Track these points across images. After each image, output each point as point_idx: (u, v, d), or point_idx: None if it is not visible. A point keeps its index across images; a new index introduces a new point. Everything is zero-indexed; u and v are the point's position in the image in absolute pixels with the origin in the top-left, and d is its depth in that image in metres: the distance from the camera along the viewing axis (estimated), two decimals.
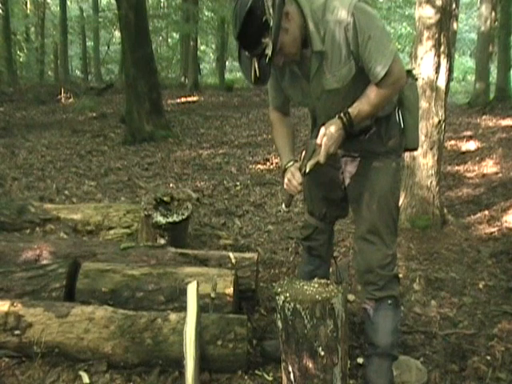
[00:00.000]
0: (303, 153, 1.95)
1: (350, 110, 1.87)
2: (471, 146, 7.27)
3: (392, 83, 1.85)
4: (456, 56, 21.31)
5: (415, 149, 2.19)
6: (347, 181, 2.12)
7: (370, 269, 2.04)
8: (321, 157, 1.87)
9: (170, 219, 3.21)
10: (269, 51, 1.71)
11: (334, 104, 1.96)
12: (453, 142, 7.44)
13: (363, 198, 2.04)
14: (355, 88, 1.90)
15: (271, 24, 1.68)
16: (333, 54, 1.85)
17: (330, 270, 2.48)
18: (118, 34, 20.30)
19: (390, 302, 2.04)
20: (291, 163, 2.01)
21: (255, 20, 1.69)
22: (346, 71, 1.87)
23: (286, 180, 1.98)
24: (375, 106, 1.88)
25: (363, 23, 1.78)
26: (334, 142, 1.87)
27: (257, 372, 2.25)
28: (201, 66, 21.19)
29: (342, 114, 1.86)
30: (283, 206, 2.05)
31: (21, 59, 22.57)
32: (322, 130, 1.88)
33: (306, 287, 1.87)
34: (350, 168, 2.09)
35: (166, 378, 2.19)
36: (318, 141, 1.87)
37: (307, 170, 1.93)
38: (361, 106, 1.87)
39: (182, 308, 2.33)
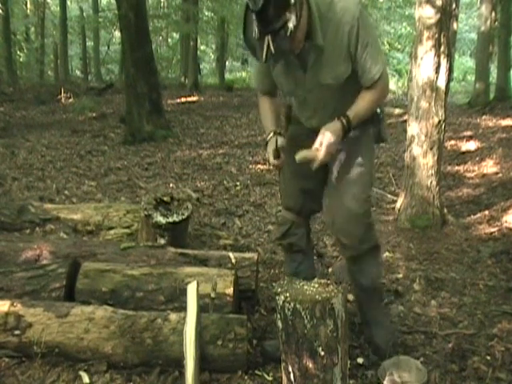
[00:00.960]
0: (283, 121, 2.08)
1: (348, 113, 1.96)
2: (471, 146, 7.27)
3: (382, 88, 2.01)
4: (456, 56, 21.29)
5: (386, 140, 2.45)
6: (333, 169, 2.20)
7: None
8: (321, 156, 1.94)
9: (170, 219, 3.21)
10: (291, 24, 1.72)
11: (323, 99, 2.07)
12: (453, 142, 7.44)
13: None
14: (344, 89, 2.02)
15: (292, 1, 1.71)
16: (332, 51, 1.93)
17: (331, 270, 2.49)
18: (118, 34, 20.30)
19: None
20: (271, 134, 2.10)
21: None
22: (343, 70, 1.97)
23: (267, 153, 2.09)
24: (369, 109, 2.03)
25: (365, 30, 1.91)
26: (334, 145, 1.95)
27: (257, 372, 2.24)
28: (201, 66, 21.17)
29: (341, 117, 1.95)
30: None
31: (21, 59, 22.57)
32: (324, 132, 1.94)
33: (306, 287, 1.87)
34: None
35: (165, 378, 2.19)
36: (318, 143, 1.93)
37: (298, 158, 1.99)
38: (357, 110, 1.98)
39: (182, 308, 2.33)
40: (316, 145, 1.94)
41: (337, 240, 2.42)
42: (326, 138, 1.93)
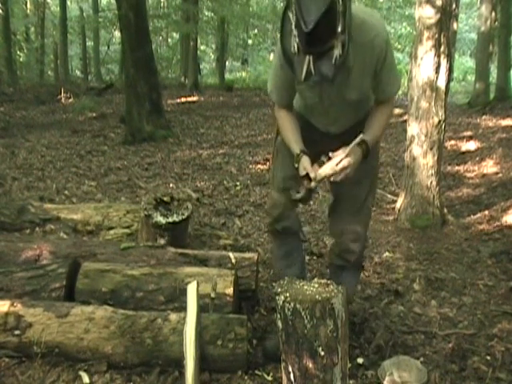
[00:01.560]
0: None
1: (367, 139, 2.04)
2: (471, 146, 7.27)
3: (392, 107, 2.19)
4: (456, 56, 21.29)
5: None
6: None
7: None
8: (338, 178, 2.03)
9: (170, 219, 3.20)
10: (337, 52, 1.77)
11: (344, 111, 2.16)
12: (453, 142, 7.44)
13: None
14: (362, 103, 2.17)
15: (339, 29, 1.74)
16: (360, 70, 2.01)
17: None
18: (118, 34, 20.31)
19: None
20: (301, 155, 2.10)
21: (330, 21, 1.73)
22: (366, 87, 2.08)
23: (301, 169, 2.08)
24: (382, 131, 2.17)
25: (391, 53, 2.06)
26: (353, 170, 2.03)
27: (257, 372, 2.24)
28: (201, 66, 21.17)
29: (362, 144, 2.03)
30: (295, 194, 2.11)
31: (21, 59, 22.57)
32: (345, 158, 1.99)
33: (306, 287, 1.86)
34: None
35: (165, 378, 2.18)
36: (339, 163, 1.99)
37: (318, 178, 2.03)
38: (373, 135, 2.11)
39: (182, 308, 2.33)
40: (338, 166, 1.99)
41: (333, 249, 2.49)
42: (348, 163, 1.99)
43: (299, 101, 2.25)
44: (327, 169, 2.01)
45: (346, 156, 1.99)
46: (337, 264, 2.47)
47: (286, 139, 2.21)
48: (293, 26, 1.74)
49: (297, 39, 1.74)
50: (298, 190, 2.08)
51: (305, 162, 2.06)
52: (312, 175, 2.03)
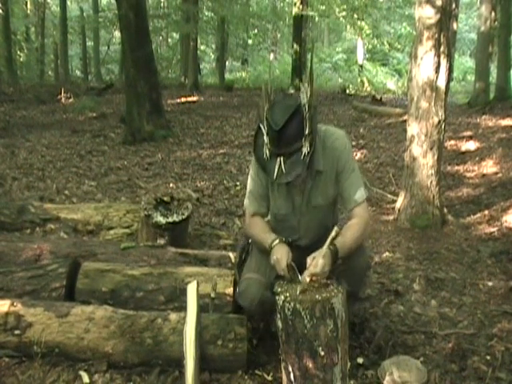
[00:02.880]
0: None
1: (336, 243, 2.00)
2: (471, 145, 7.27)
3: (365, 218, 2.15)
4: (456, 56, 21.30)
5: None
6: None
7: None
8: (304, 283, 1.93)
9: (170, 219, 3.21)
10: (305, 150, 1.97)
11: (313, 220, 2.23)
12: (453, 142, 7.44)
13: None
14: (330, 209, 2.25)
15: (306, 131, 1.97)
16: (327, 175, 2.16)
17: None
18: (118, 34, 20.30)
19: None
20: (277, 241, 2.10)
21: (297, 122, 1.97)
22: (332, 191, 2.19)
23: (275, 257, 2.05)
24: (355, 239, 2.09)
25: (350, 156, 2.19)
26: (327, 271, 1.95)
27: (257, 372, 2.24)
28: (201, 66, 21.19)
29: (330, 246, 1.98)
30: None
31: (21, 59, 22.58)
32: (316, 262, 1.92)
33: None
34: None
35: (165, 378, 2.19)
36: (311, 271, 1.91)
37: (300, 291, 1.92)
38: (344, 240, 2.03)
39: (182, 308, 2.33)
40: (313, 269, 1.91)
41: None
42: (320, 265, 1.91)
43: (271, 217, 2.30)
44: (311, 270, 1.93)
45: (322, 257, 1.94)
46: None
47: (260, 236, 2.20)
48: (264, 137, 1.99)
49: (268, 145, 1.99)
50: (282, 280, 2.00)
51: (283, 250, 2.04)
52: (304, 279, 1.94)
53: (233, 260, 2.84)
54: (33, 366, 2.22)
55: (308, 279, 1.90)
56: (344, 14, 19.77)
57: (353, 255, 2.12)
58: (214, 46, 26.83)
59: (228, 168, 6.49)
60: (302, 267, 1.97)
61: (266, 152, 2.00)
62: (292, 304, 1.78)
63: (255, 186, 2.24)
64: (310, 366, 1.80)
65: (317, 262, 1.91)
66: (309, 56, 18.78)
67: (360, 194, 2.15)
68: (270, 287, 2.14)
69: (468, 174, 5.87)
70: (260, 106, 2.04)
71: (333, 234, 1.98)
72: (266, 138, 2.00)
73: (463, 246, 3.81)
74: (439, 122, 4.01)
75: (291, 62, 16.85)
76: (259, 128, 2.05)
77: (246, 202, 2.30)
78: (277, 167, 1.98)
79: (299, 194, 2.19)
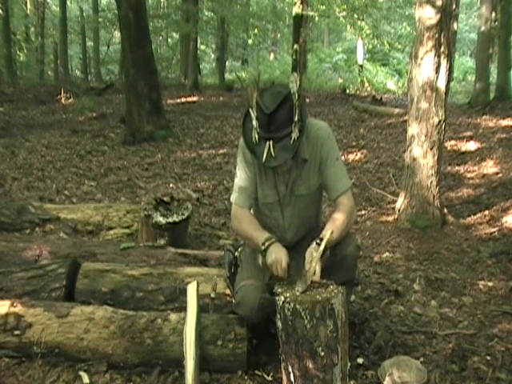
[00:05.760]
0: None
1: (322, 236, 2.01)
2: (471, 146, 7.26)
3: (350, 208, 2.15)
4: (456, 56, 21.29)
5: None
6: None
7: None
8: (302, 285, 1.93)
9: (170, 219, 3.21)
10: (295, 135, 2.00)
11: (297, 212, 2.25)
12: (453, 142, 7.43)
13: None
14: (313, 199, 2.27)
15: (296, 118, 2.00)
16: (311, 165, 2.18)
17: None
18: (118, 34, 20.27)
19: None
20: (272, 240, 2.09)
21: (287, 109, 1.99)
22: (315, 181, 2.21)
23: (273, 257, 2.03)
24: (341, 231, 2.09)
25: (333, 144, 2.21)
26: (318, 267, 1.95)
27: (257, 372, 2.24)
28: (201, 66, 21.16)
29: (317, 240, 2.01)
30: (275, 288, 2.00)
31: (21, 59, 22.56)
32: (314, 268, 1.93)
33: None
34: None
35: (165, 378, 2.19)
36: (312, 279, 1.92)
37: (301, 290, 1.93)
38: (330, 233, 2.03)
39: (182, 308, 2.33)
40: (314, 278, 1.92)
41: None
42: (318, 273, 1.92)
43: (258, 209, 2.30)
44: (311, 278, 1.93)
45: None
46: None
47: (247, 232, 2.19)
48: (253, 121, 2.01)
49: (258, 129, 2.01)
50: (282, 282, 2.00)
51: (281, 250, 2.04)
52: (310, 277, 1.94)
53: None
54: (33, 366, 2.22)
55: (308, 282, 1.90)
56: (344, 14, 19.75)
57: (342, 244, 2.14)
58: (213, 46, 26.82)
59: (228, 168, 6.48)
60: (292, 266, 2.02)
61: (255, 136, 2.03)
62: (292, 304, 1.78)
63: (243, 178, 2.24)
64: (310, 366, 1.80)
65: (315, 268, 1.93)
66: (309, 56, 18.80)
67: (344, 183, 2.18)
68: (266, 289, 2.15)
69: (468, 175, 5.87)
70: (249, 93, 2.05)
71: (328, 236, 1.99)
72: (255, 123, 2.02)
73: (463, 246, 3.81)
74: (439, 122, 4.01)
75: (291, 62, 16.84)
76: (248, 113, 2.08)
77: (233, 195, 2.28)
78: (266, 151, 2.00)
79: (284, 183, 2.20)
